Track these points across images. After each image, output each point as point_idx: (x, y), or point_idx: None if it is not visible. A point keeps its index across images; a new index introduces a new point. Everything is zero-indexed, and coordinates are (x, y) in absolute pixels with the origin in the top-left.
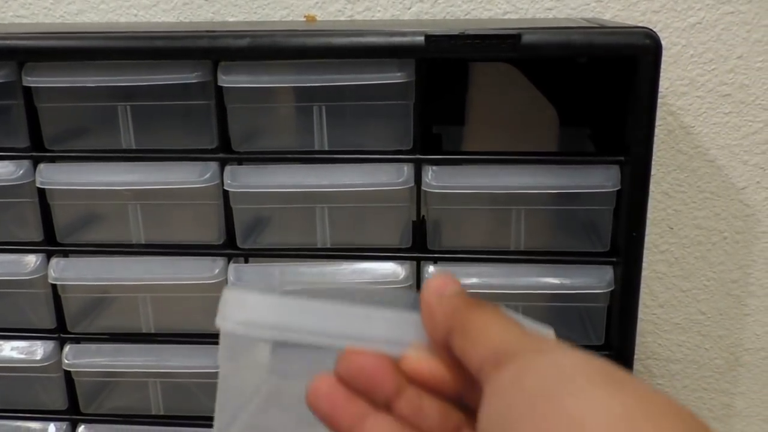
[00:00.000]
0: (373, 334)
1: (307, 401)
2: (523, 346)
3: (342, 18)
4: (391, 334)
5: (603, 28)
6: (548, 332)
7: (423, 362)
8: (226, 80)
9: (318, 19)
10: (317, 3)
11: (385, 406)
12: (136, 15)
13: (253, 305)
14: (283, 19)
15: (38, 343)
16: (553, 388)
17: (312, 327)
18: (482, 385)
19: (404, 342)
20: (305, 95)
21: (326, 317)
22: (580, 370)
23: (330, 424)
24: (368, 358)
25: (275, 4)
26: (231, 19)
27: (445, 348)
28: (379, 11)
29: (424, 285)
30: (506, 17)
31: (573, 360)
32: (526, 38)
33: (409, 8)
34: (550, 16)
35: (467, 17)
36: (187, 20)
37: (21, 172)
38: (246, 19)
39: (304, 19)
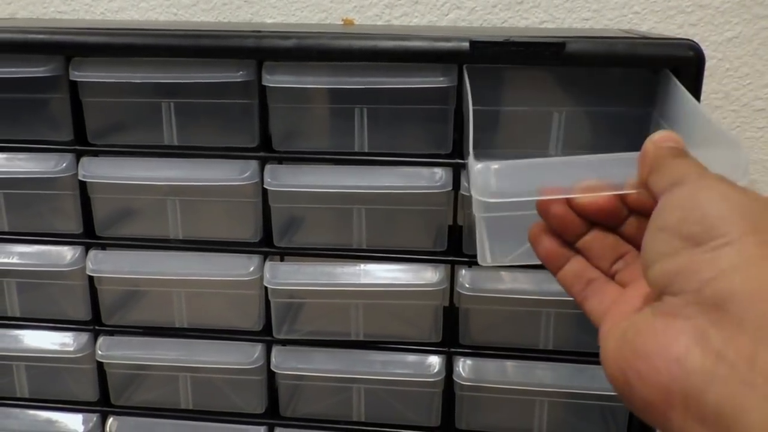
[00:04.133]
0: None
1: (539, 209)
2: (694, 179)
3: (379, 22)
4: (613, 173)
5: (646, 39)
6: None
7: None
8: (270, 80)
9: (356, 22)
10: (355, 7)
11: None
12: (175, 14)
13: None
14: (321, 22)
15: (72, 334)
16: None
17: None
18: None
19: (623, 179)
20: (347, 97)
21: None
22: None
23: (561, 229)
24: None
25: (313, 6)
26: (269, 20)
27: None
28: (416, 17)
29: (649, 136)
30: (543, 26)
31: (729, 194)
32: (570, 47)
33: (447, 14)
34: (587, 26)
35: (504, 25)
36: (225, 20)
37: (64, 165)
38: (284, 21)
39: (342, 23)
